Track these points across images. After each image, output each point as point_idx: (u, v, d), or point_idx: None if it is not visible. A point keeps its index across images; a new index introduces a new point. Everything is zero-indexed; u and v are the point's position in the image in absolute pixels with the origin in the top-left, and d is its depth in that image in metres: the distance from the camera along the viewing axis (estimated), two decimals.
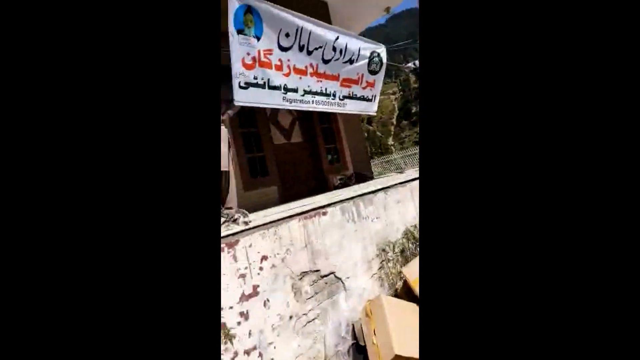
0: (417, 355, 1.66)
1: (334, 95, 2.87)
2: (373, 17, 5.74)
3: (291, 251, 1.92)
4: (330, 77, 2.81)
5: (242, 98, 2.18)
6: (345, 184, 4.17)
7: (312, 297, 1.97)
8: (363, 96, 3.16)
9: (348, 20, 5.25)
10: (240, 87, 2.16)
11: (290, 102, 2.52)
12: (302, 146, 4.39)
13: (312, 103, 2.69)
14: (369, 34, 5.44)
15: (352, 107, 3.04)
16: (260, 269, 1.77)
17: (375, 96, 3.31)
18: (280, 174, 3.99)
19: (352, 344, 2.02)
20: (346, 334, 2.05)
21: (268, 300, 1.76)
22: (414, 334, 1.78)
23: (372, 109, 3.29)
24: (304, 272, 1.96)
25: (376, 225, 2.43)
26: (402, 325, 1.78)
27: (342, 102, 2.95)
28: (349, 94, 3.02)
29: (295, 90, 2.52)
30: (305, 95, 2.62)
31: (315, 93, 2.71)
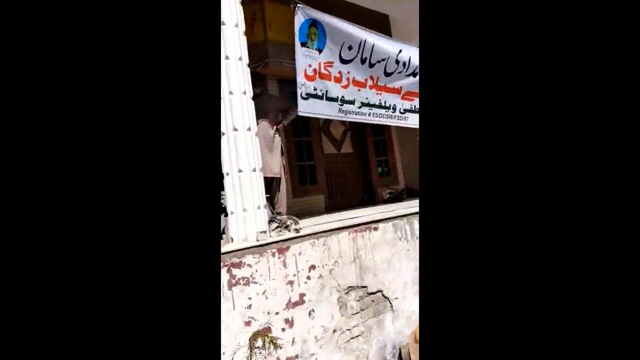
0: None
1: (394, 109, 2.82)
2: None
3: (339, 263, 1.89)
4: (391, 89, 2.76)
5: (304, 108, 2.24)
6: (396, 198, 4.03)
7: (358, 313, 1.90)
8: None
9: (409, 33, 5.16)
10: (302, 97, 2.23)
11: (346, 114, 2.54)
12: (352, 157, 4.37)
13: (369, 115, 2.66)
14: None
15: (414, 121, 2.95)
16: (308, 278, 1.76)
17: None
18: (328, 183, 4.00)
19: None
20: (392, 357, 1.94)
21: (313, 311, 1.74)
22: None
23: None
24: (351, 286, 1.91)
25: None
26: None
27: (403, 115, 2.88)
28: (411, 108, 2.93)
29: (352, 102, 2.53)
30: (362, 107, 2.61)
31: (373, 105, 2.68)
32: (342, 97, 2.48)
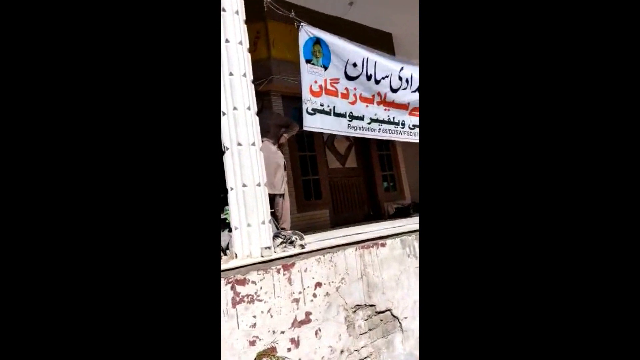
0: None
1: (403, 124, 2.84)
2: None
3: (346, 281, 1.83)
4: (398, 105, 2.78)
5: (310, 123, 2.26)
6: (402, 212, 3.97)
7: (366, 333, 1.83)
8: None
9: (413, 51, 5.24)
10: (308, 112, 2.26)
11: (355, 130, 2.56)
12: (357, 172, 4.35)
13: (379, 131, 2.68)
14: None
15: None
16: (314, 295, 1.70)
17: None
18: (333, 198, 3.97)
19: None
20: None
21: (320, 330, 1.67)
22: None
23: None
24: (358, 305, 1.84)
25: None
26: None
27: (412, 130, 2.89)
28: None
29: (361, 118, 2.55)
30: (372, 123, 2.63)
31: (382, 121, 2.70)
32: (351, 112, 2.50)
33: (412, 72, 2.84)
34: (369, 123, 2.59)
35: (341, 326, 1.75)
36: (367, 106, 2.56)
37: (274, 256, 1.63)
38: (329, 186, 3.96)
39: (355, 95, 2.48)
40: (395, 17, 4.59)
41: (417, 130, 2.90)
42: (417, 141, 2.95)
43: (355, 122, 2.53)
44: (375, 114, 2.62)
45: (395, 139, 2.84)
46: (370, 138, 3.80)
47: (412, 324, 1.98)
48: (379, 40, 4.53)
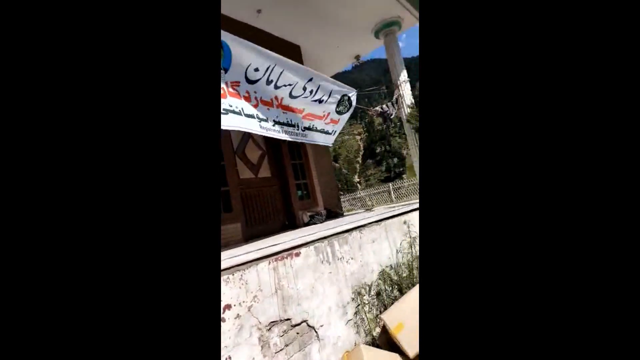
0: None
1: (298, 126, 2.96)
2: (343, 63, 6.09)
3: (259, 298, 1.71)
4: (293, 109, 2.90)
5: (227, 122, 2.22)
6: (316, 220, 4.04)
7: (282, 349, 1.73)
8: (323, 129, 3.27)
9: (319, 64, 5.51)
10: (221, 112, 2.19)
11: (267, 130, 2.60)
12: (270, 181, 4.26)
13: (281, 132, 2.76)
14: (336, 78, 5.76)
15: (310, 138, 3.15)
16: (222, 320, 1.53)
17: (335, 131, 3.44)
18: (246, 210, 3.78)
19: None
20: None
21: (230, 358, 1.50)
22: None
23: (329, 140, 3.41)
24: (273, 321, 1.74)
25: (351, 266, 2.30)
26: None
27: (303, 132, 3.03)
28: (310, 126, 3.13)
29: (266, 120, 2.60)
30: (275, 125, 2.70)
31: (283, 124, 2.77)
32: (257, 114, 2.53)
33: (320, 83, 2.94)
34: (273, 125, 2.65)
35: (254, 348, 1.61)
36: (268, 109, 2.61)
37: None
38: (241, 198, 3.75)
39: (256, 98, 2.50)
40: (301, 29, 4.75)
41: (306, 132, 3.06)
42: (306, 142, 3.14)
43: (263, 123, 2.55)
44: (277, 117, 2.69)
45: (294, 140, 2.94)
46: (279, 146, 3.81)
47: (328, 331, 1.98)
48: (288, 51, 4.61)
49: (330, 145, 3.53)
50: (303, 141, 3.06)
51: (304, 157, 4.68)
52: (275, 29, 4.59)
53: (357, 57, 5.37)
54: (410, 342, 1.83)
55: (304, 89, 2.82)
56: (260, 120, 2.53)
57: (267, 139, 4.23)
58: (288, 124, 2.81)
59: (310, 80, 2.83)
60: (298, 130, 2.94)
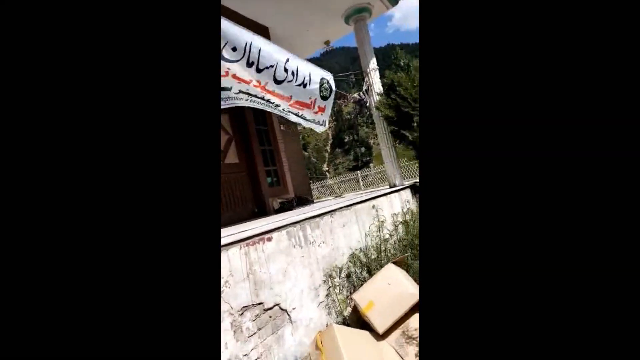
0: None
1: (278, 105, 2.76)
2: (313, 48, 5.98)
3: (230, 283, 1.69)
4: (280, 96, 2.73)
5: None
6: (286, 207, 4.03)
7: (255, 334, 1.73)
8: (314, 120, 3.17)
9: (289, 48, 5.36)
10: None
11: (225, 101, 2.34)
12: (238, 167, 4.15)
13: (246, 101, 2.47)
14: None
15: (295, 120, 2.98)
16: None
17: (325, 121, 3.35)
18: None
19: None
20: None
21: None
22: None
23: (319, 129, 3.32)
24: (245, 306, 1.73)
25: (323, 250, 2.34)
26: (357, 355, 1.66)
27: (286, 112, 2.87)
28: (299, 115, 2.98)
29: (228, 89, 2.33)
30: (240, 93, 2.43)
31: (254, 96, 2.53)
32: (241, 90, 2.30)
33: (298, 64, 2.85)
34: (237, 93, 2.38)
35: (227, 333, 1.60)
36: (238, 82, 2.35)
37: None
38: None
39: (227, 71, 2.24)
40: (270, 10, 4.58)
41: (290, 115, 2.89)
42: (287, 117, 2.93)
43: (249, 97, 2.33)
44: (247, 89, 2.44)
45: (264, 109, 2.72)
46: (247, 132, 3.61)
47: (301, 313, 2.01)
48: (256, 32, 4.43)
49: (321, 131, 3.41)
50: (281, 114, 2.84)
51: (273, 142, 4.60)
52: (243, 8, 4.38)
53: (327, 43, 5.31)
54: (380, 319, 1.92)
55: (286, 70, 2.68)
56: (247, 95, 2.33)
57: (233, 123, 4.08)
58: (262, 99, 2.61)
59: (288, 60, 2.74)
60: (279, 107, 2.77)
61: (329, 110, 3.34)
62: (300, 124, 3.11)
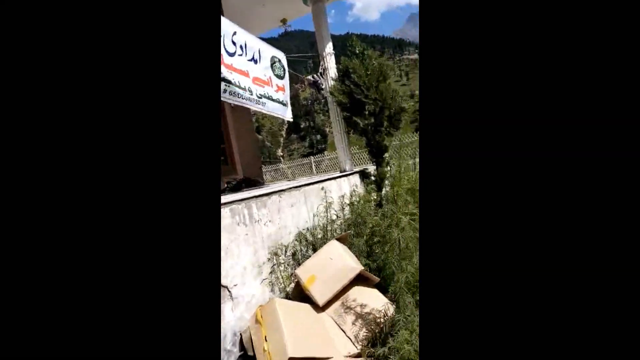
0: (312, 354, 1.63)
1: (251, 92, 2.66)
2: (269, 25, 5.76)
3: None
4: (239, 71, 2.59)
5: None
6: (235, 188, 3.92)
7: None
8: (278, 99, 3.07)
9: (242, 22, 5.09)
10: None
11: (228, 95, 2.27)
12: None
13: (226, 92, 2.37)
14: None
15: (270, 108, 2.88)
16: None
17: (287, 102, 3.26)
18: None
19: (240, 356, 1.83)
20: (232, 346, 1.84)
21: None
22: (309, 334, 1.75)
23: (287, 114, 3.22)
24: None
25: (269, 228, 2.34)
26: (297, 327, 1.72)
27: (260, 100, 2.76)
28: (265, 94, 2.86)
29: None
30: (223, 83, 2.32)
31: (230, 82, 2.41)
32: None
33: (246, 39, 2.72)
34: (223, 84, 2.28)
35: None
36: None
37: None
38: None
39: None
40: None
41: (263, 100, 2.80)
42: (267, 112, 2.86)
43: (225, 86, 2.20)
44: (223, 76, 2.34)
45: (248, 106, 2.62)
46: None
47: (242, 290, 2.01)
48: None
49: (290, 119, 3.27)
50: (262, 110, 2.74)
51: (223, 122, 4.41)
52: None
53: (284, 21, 5.15)
54: (320, 292, 2.00)
55: (234, 43, 2.54)
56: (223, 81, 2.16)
57: None
58: (238, 86, 2.47)
59: (235, 33, 2.60)
60: (252, 95, 2.63)
61: (288, 91, 3.28)
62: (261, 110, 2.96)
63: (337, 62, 4.57)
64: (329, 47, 4.60)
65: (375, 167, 4.13)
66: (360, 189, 3.87)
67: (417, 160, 4.13)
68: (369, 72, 3.97)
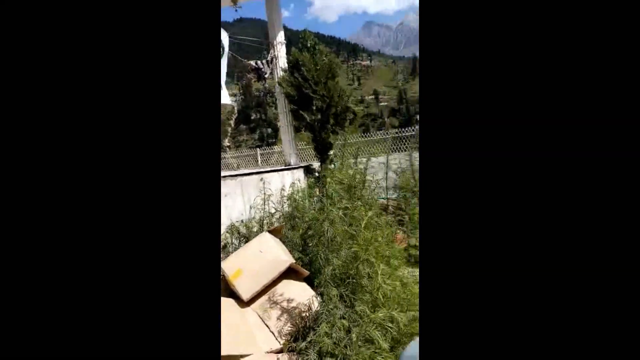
0: (230, 352, 1.54)
1: None
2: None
3: None
4: None
5: None
6: None
7: None
8: None
9: None
10: None
11: None
12: None
13: None
14: None
15: None
16: None
17: (222, 85, 3.03)
18: None
19: None
20: None
21: None
22: (229, 332, 1.65)
23: (226, 98, 2.99)
24: None
25: None
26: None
27: None
28: None
29: None
30: None
31: None
32: None
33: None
34: None
35: None
36: None
37: None
38: None
39: None
40: None
41: None
42: None
43: None
44: None
45: None
46: None
47: None
48: None
49: (228, 102, 3.03)
50: None
51: None
52: None
53: (235, 2, 4.87)
54: (246, 286, 1.91)
55: None
56: None
57: None
58: None
59: None
60: None
61: (224, 75, 3.08)
62: None
63: (289, 52, 4.48)
64: (281, 36, 4.48)
65: (320, 163, 4.14)
66: (303, 184, 3.85)
67: (359, 159, 4.26)
68: (318, 67, 3.96)
